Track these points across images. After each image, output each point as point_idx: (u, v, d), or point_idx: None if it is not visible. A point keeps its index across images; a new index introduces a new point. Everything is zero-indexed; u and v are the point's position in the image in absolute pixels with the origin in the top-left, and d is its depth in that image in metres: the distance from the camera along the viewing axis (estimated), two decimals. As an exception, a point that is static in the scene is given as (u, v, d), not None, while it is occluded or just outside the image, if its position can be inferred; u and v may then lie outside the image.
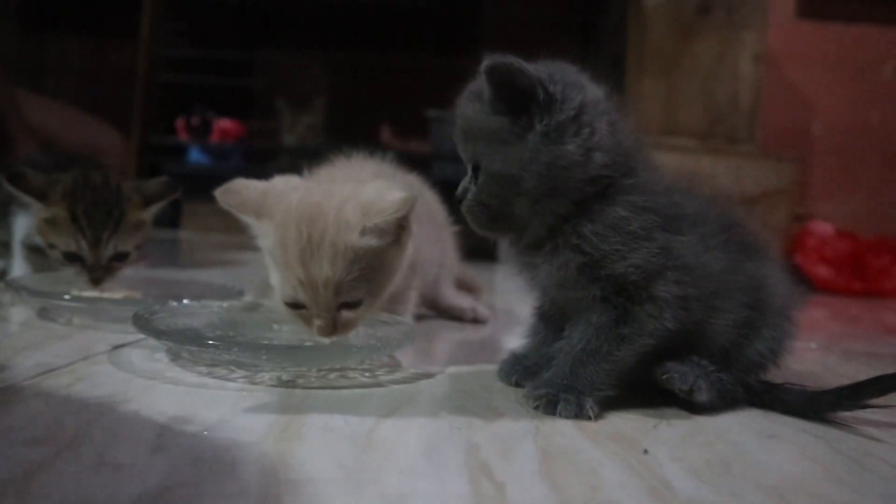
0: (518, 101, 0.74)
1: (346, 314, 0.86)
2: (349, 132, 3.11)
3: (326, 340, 0.87)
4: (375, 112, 3.29)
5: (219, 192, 0.89)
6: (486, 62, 0.73)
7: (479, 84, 0.77)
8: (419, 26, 3.31)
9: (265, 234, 0.87)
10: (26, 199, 1.10)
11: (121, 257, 1.14)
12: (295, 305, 0.86)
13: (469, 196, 0.79)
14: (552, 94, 0.74)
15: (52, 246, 1.11)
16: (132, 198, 1.16)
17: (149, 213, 1.18)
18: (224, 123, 3.36)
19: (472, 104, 0.78)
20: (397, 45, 3.40)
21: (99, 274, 1.12)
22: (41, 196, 1.10)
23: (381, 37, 3.40)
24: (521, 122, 0.75)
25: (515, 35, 3.14)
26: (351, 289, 0.84)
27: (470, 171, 0.80)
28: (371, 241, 0.84)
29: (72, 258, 1.11)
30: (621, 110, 0.80)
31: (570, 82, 0.76)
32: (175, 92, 3.38)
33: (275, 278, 0.88)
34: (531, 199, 0.76)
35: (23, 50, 3.44)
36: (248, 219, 0.88)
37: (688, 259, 0.78)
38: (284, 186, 0.92)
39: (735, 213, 0.87)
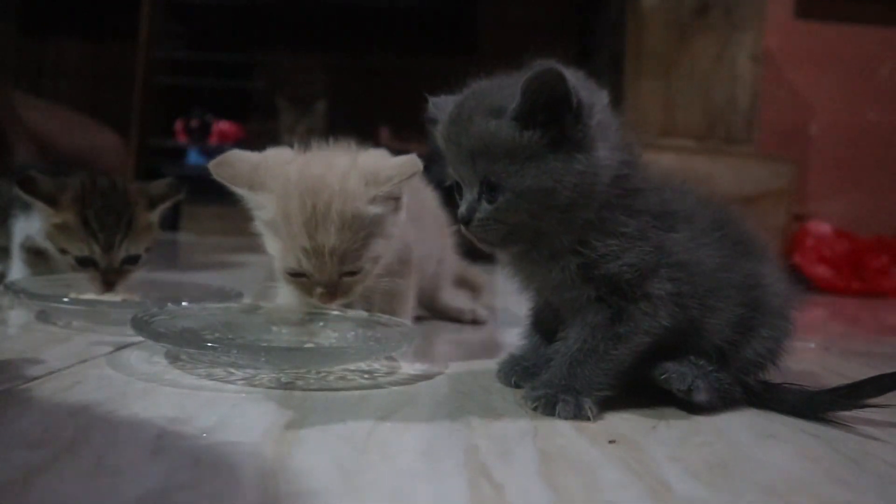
0: (550, 111, 0.72)
1: (346, 280, 0.87)
2: (348, 134, 3.12)
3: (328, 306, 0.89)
4: (374, 114, 3.30)
5: (212, 165, 0.89)
6: (535, 71, 0.70)
7: (491, 97, 0.75)
8: (417, 28, 3.32)
9: (261, 206, 0.87)
10: (37, 204, 1.10)
11: (132, 260, 1.15)
12: (296, 274, 0.87)
13: (481, 215, 0.76)
14: (582, 100, 0.72)
15: (63, 251, 1.11)
16: (139, 200, 1.16)
17: (156, 215, 1.19)
18: (223, 126, 3.37)
19: (488, 120, 0.74)
20: (396, 48, 3.41)
21: (112, 278, 1.12)
22: (51, 201, 1.10)
23: (379, 39, 3.41)
24: (551, 133, 0.72)
25: (513, 37, 3.14)
26: (356, 257, 0.86)
27: (476, 190, 0.76)
28: (377, 209, 0.87)
29: (85, 263, 1.11)
30: (615, 110, 0.80)
31: (589, 87, 0.76)
32: (174, 94, 3.38)
33: (273, 247, 0.88)
34: (562, 210, 0.74)
35: (22, 53, 3.44)
36: (241, 190, 0.88)
37: (681, 256, 0.78)
38: (278, 158, 0.92)
39: (730, 212, 0.87)
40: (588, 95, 0.74)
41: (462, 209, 0.78)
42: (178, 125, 3.39)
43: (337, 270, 0.86)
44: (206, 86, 3.36)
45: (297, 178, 0.86)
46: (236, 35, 3.57)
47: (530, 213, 0.75)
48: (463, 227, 0.78)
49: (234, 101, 3.50)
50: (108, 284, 1.12)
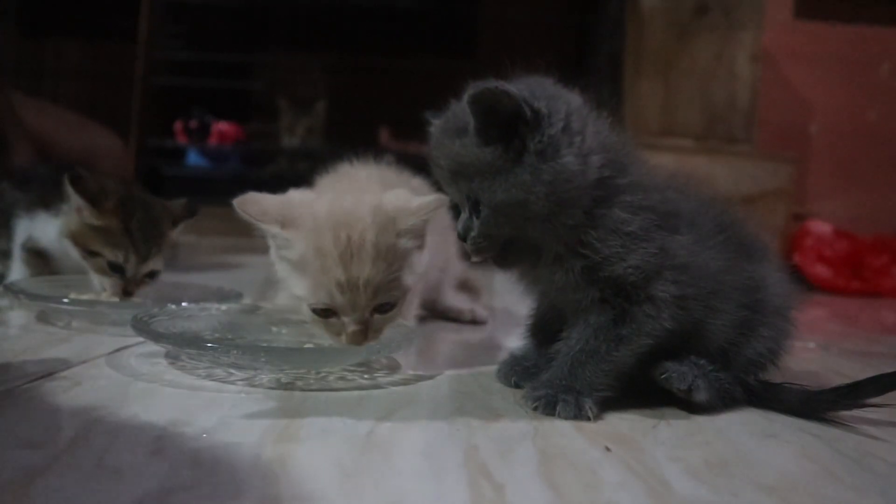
0: (506, 125, 0.72)
1: (377, 318, 0.86)
2: (348, 134, 3.12)
3: (357, 348, 0.86)
4: (374, 114, 3.30)
5: (238, 203, 0.88)
6: (470, 92, 0.71)
7: (456, 118, 0.76)
8: (417, 29, 3.31)
9: (291, 244, 0.86)
10: (80, 203, 1.10)
11: (153, 274, 1.17)
12: (325, 313, 0.85)
13: (473, 233, 0.77)
14: (538, 110, 0.72)
15: (95, 254, 1.12)
16: (168, 217, 1.19)
17: (177, 234, 1.21)
18: (222, 126, 3.36)
19: (455, 141, 0.76)
20: (396, 48, 3.41)
21: (133, 287, 1.13)
22: (97, 203, 1.10)
23: (379, 39, 3.41)
24: (514, 146, 0.73)
25: (512, 38, 3.14)
26: (389, 289, 0.85)
27: (467, 207, 0.78)
28: (407, 243, 0.88)
29: (115, 269, 1.12)
30: (599, 111, 0.80)
31: (551, 95, 0.75)
32: (173, 95, 3.38)
33: (300, 286, 0.86)
34: (542, 218, 0.74)
35: (21, 53, 3.44)
36: (272, 228, 0.87)
37: (685, 259, 0.78)
38: (303, 198, 0.92)
39: (732, 214, 0.87)
40: (547, 104, 0.73)
41: (458, 227, 0.79)
42: (178, 126, 3.39)
43: (369, 304, 0.85)
44: (205, 86, 3.35)
45: (328, 214, 0.86)
46: (236, 35, 3.57)
47: (511, 226, 0.76)
48: (464, 244, 0.80)
49: (233, 101, 3.50)
50: (128, 293, 1.13)
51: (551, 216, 0.74)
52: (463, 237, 0.79)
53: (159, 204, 1.20)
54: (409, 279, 0.89)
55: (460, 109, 0.76)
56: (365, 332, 0.85)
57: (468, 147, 0.75)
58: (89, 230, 1.12)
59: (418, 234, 0.90)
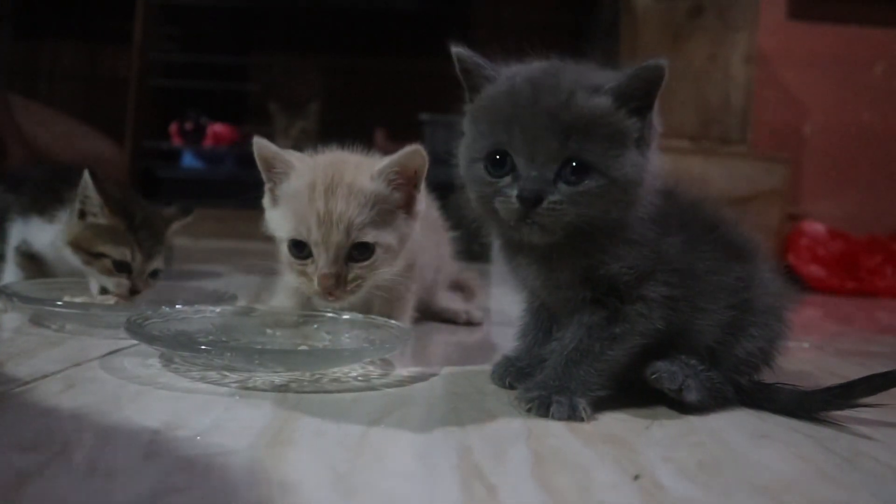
0: (643, 105, 0.73)
1: (351, 267, 0.93)
2: (343, 136, 3.12)
3: (328, 303, 0.95)
4: (369, 115, 3.29)
5: (256, 143, 0.96)
6: (652, 63, 0.71)
7: (594, 77, 0.73)
8: (412, 30, 3.31)
9: (301, 175, 0.95)
10: (96, 200, 1.10)
11: (155, 274, 1.17)
12: (302, 251, 0.93)
13: (556, 197, 0.71)
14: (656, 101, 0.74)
15: (100, 255, 1.12)
16: (162, 218, 1.20)
17: (171, 233, 1.22)
18: (217, 128, 3.36)
19: (593, 98, 0.71)
20: (390, 49, 3.41)
21: (140, 286, 1.14)
22: (109, 200, 1.11)
23: (374, 40, 3.41)
24: (642, 126, 0.73)
25: (507, 38, 3.14)
26: (361, 228, 0.92)
27: (553, 168, 0.71)
28: (380, 187, 0.95)
29: (122, 268, 1.12)
30: None
31: None
32: (168, 96, 3.37)
33: (285, 225, 0.95)
34: (626, 206, 0.74)
35: (16, 55, 3.43)
36: (292, 159, 0.97)
37: (676, 260, 0.78)
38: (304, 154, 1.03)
39: (723, 214, 0.87)
40: None
41: (528, 186, 0.70)
42: (173, 127, 3.39)
43: (342, 243, 0.91)
44: (200, 88, 3.35)
45: (324, 160, 0.99)
46: (231, 37, 3.57)
47: (612, 202, 0.72)
48: (518, 208, 0.71)
49: (228, 103, 3.49)
50: (135, 292, 1.13)
51: (630, 205, 0.74)
52: (535, 200, 0.70)
53: (151, 206, 1.22)
54: (389, 236, 0.95)
55: (584, 69, 0.75)
56: (336, 281, 0.92)
57: (608, 110, 0.71)
58: (93, 232, 1.12)
59: (397, 186, 0.96)
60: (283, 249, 0.96)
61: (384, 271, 0.96)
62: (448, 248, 1.34)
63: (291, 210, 0.94)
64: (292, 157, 0.98)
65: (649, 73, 0.71)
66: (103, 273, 1.13)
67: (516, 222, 0.73)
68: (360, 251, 0.93)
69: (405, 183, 0.98)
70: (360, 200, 0.92)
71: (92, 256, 1.12)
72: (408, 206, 0.99)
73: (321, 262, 0.92)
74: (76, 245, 1.13)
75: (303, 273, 0.94)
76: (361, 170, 0.96)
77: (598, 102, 0.71)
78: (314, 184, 0.93)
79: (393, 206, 0.96)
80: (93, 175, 1.11)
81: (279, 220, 0.97)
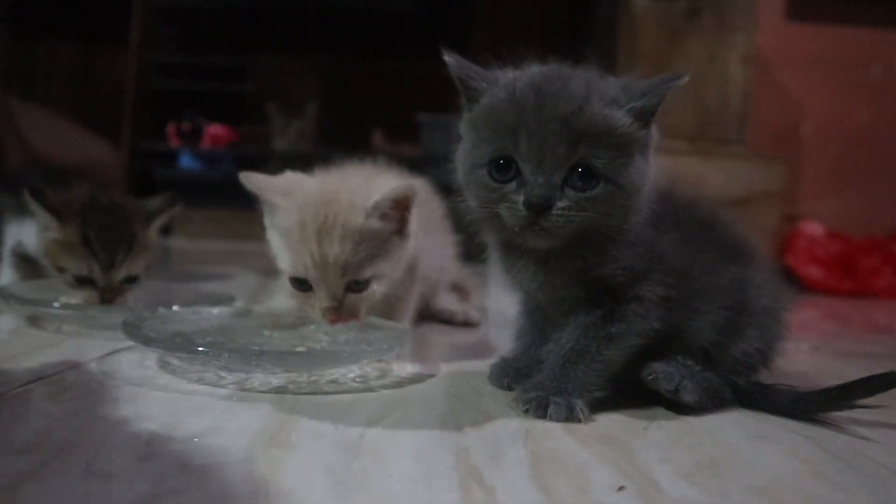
0: (653, 112, 0.73)
1: (351, 297, 0.92)
2: (341, 137, 3.12)
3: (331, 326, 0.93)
4: (367, 116, 3.29)
5: (244, 176, 0.95)
6: (676, 76, 0.73)
7: (608, 88, 0.74)
8: (410, 31, 3.31)
9: (288, 213, 0.92)
10: (43, 216, 1.06)
11: (132, 280, 1.11)
12: (302, 286, 0.92)
13: (564, 203, 0.71)
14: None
15: (62, 270, 1.07)
16: (139, 218, 1.13)
17: (153, 231, 1.16)
18: (215, 129, 3.35)
19: (604, 107, 0.71)
20: (388, 50, 3.40)
21: (110, 295, 1.08)
22: (59, 215, 1.06)
23: (371, 42, 3.40)
24: (647, 133, 0.74)
25: (505, 39, 3.14)
26: (358, 268, 0.91)
27: (559, 175, 0.71)
28: (374, 223, 0.92)
29: (84, 282, 1.07)
30: None
31: None
32: (166, 97, 3.37)
33: (285, 259, 0.93)
34: (632, 210, 0.75)
35: (13, 56, 3.43)
36: (276, 197, 0.93)
37: (672, 260, 0.78)
38: (298, 178, 0.99)
39: (718, 215, 0.88)
40: None
41: (536, 192, 0.70)
42: (170, 128, 3.38)
43: (339, 282, 0.90)
44: (198, 89, 3.34)
45: (315, 192, 0.94)
46: (228, 38, 3.57)
47: (616, 207, 0.73)
48: (526, 214, 0.71)
49: (226, 104, 3.49)
50: (106, 301, 1.08)
51: (631, 210, 0.75)
52: (544, 206, 0.70)
53: (130, 205, 1.14)
54: (385, 265, 0.94)
55: (597, 79, 0.75)
56: (338, 310, 0.91)
57: (621, 119, 0.71)
58: (55, 246, 1.07)
59: (389, 216, 0.94)
60: (284, 280, 0.96)
61: (383, 287, 0.97)
62: (451, 250, 1.34)
63: (287, 245, 0.93)
64: (279, 189, 0.94)
65: (671, 89, 0.72)
66: (69, 287, 1.09)
67: (521, 228, 0.73)
68: (359, 283, 0.93)
69: (397, 211, 0.95)
70: (354, 240, 0.90)
71: (57, 270, 1.08)
72: (401, 230, 0.97)
73: (321, 296, 0.92)
74: (46, 257, 1.09)
75: (305, 302, 0.94)
76: (354, 204, 0.92)
77: (616, 116, 0.71)
78: (304, 223, 0.91)
79: (387, 236, 0.95)
80: (38, 191, 1.05)
81: (278, 249, 0.96)
